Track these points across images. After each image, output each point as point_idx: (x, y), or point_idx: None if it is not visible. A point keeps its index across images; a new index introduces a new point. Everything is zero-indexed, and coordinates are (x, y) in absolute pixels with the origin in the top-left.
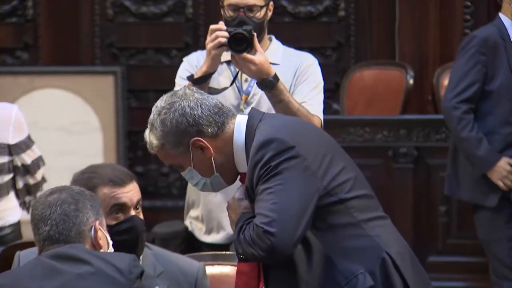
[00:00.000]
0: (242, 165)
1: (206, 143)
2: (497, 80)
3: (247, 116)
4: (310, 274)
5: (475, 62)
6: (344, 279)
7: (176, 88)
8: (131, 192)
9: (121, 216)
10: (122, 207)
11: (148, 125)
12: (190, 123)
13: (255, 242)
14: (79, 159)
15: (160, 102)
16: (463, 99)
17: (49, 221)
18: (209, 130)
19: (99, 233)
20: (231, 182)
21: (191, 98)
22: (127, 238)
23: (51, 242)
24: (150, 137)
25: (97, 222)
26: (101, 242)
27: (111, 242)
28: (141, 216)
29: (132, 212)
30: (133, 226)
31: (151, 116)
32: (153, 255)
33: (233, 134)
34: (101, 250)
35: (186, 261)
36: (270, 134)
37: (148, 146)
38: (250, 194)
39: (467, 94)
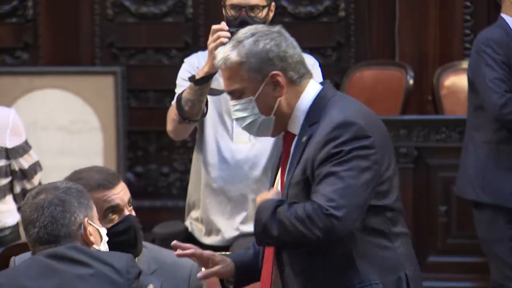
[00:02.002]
0: (294, 125)
1: (283, 82)
2: None
3: (319, 84)
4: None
5: (497, 62)
6: (359, 282)
7: (177, 90)
8: (121, 192)
9: (115, 218)
10: (115, 208)
11: (232, 41)
12: (280, 57)
13: (313, 222)
14: (78, 159)
15: (254, 28)
16: (504, 92)
17: (37, 223)
18: (291, 74)
19: (90, 228)
20: (277, 133)
21: (288, 38)
22: (125, 239)
23: (41, 243)
24: (230, 52)
25: (86, 219)
26: (91, 238)
27: (104, 234)
28: (133, 213)
29: (126, 212)
30: (130, 225)
31: (239, 34)
32: (147, 253)
33: (303, 92)
34: (94, 246)
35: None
36: (350, 117)
37: (218, 60)
38: (308, 166)
39: (505, 87)
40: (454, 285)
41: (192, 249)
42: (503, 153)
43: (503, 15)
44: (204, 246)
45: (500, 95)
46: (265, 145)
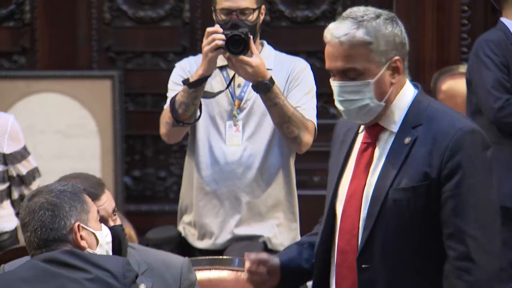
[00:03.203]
0: (387, 119)
1: (401, 69)
2: None
3: (411, 84)
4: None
5: (495, 63)
6: None
7: (169, 94)
8: (106, 203)
9: None
10: (100, 220)
11: (355, 20)
12: (403, 43)
13: None
14: (76, 163)
15: (372, 9)
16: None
17: (29, 227)
18: (405, 63)
19: (83, 233)
20: (369, 123)
21: (402, 25)
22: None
23: (33, 248)
24: (355, 30)
25: (77, 224)
26: (83, 243)
27: (101, 234)
28: (118, 222)
29: (110, 223)
30: (114, 236)
31: (359, 13)
32: (137, 254)
33: (404, 86)
34: (88, 250)
35: (170, 257)
36: (476, 126)
37: (338, 34)
38: (434, 171)
39: (502, 89)
40: None
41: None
42: (503, 154)
43: (503, 19)
44: (197, 251)
45: (497, 98)
46: (257, 148)
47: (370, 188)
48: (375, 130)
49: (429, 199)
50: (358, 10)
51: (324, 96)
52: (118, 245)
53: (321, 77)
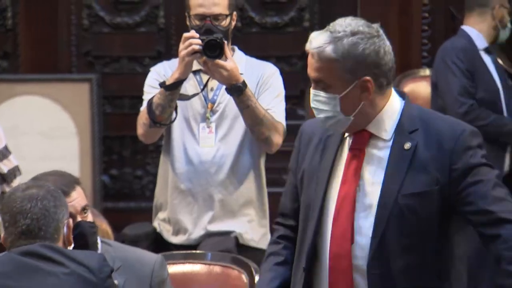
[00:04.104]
0: (378, 126)
1: (372, 88)
2: (479, 91)
3: (395, 91)
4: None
5: (461, 70)
6: None
7: (145, 97)
8: (75, 201)
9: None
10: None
11: (329, 32)
12: (376, 64)
13: None
14: (57, 163)
15: (355, 23)
16: (465, 100)
17: (29, 215)
18: (381, 80)
19: (69, 230)
20: (350, 131)
21: (385, 42)
22: (78, 245)
23: (27, 237)
24: (327, 45)
25: (70, 220)
26: (71, 239)
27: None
28: (89, 219)
29: (79, 218)
30: (80, 232)
31: (339, 28)
32: (112, 251)
33: (391, 96)
34: (70, 247)
35: (145, 254)
36: (473, 127)
37: (312, 46)
38: (443, 175)
39: (467, 95)
40: None
41: None
42: None
43: (464, 27)
44: (172, 246)
45: (462, 103)
46: (229, 149)
47: (363, 193)
48: (362, 136)
49: (441, 202)
50: (341, 24)
51: (292, 99)
52: (85, 241)
53: (289, 81)
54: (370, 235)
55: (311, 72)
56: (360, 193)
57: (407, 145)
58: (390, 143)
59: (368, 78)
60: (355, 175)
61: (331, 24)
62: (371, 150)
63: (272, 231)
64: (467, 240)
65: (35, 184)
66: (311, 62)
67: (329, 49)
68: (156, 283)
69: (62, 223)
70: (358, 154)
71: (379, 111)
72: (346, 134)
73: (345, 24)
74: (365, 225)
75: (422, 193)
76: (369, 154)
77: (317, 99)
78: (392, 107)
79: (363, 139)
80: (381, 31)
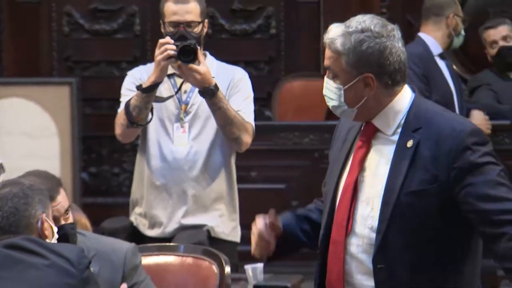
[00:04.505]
0: (383, 121)
1: (374, 85)
2: (434, 94)
3: (411, 90)
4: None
5: (417, 75)
6: None
7: (122, 99)
8: (59, 205)
9: None
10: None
11: (346, 28)
12: (379, 63)
13: None
14: (39, 162)
15: (370, 21)
16: None
17: (0, 213)
18: (385, 79)
19: (45, 224)
20: (360, 120)
21: (396, 44)
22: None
23: (3, 232)
24: (338, 38)
25: (44, 215)
26: (46, 232)
27: (55, 230)
28: (70, 220)
29: (62, 221)
30: (64, 234)
31: (353, 23)
32: (86, 240)
33: (398, 94)
34: (47, 240)
35: (118, 242)
36: (474, 125)
37: (327, 36)
38: (442, 173)
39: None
40: None
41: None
42: None
43: (421, 34)
44: (148, 238)
45: None
46: (202, 147)
47: (364, 184)
48: (370, 129)
49: (441, 201)
50: (358, 20)
51: (259, 100)
52: (67, 241)
53: (257, 84)
54: (368, 225)
55: (325, 59)
56: (362, 184)
57: (409, 143)
58: (396, 140)
59: (369, 75)
60: (358, 165)
61: (351, 18)
62: (376, 143)
63: (242, 225)
64: (476, 240)
65: (11, 182)
66: (326, 50)
67: (338, 42)
68: (128, 269)
69: (34, 218)
70: (364, 145)
71: (383, 107)
72: (362, 127)
73: (361, 20)
74: (363, 215)
75: (419, 191)
76: (373, 146)
77: (327, 87)
78: (400, 104)
79: (370, 131)
80: (395, 32)
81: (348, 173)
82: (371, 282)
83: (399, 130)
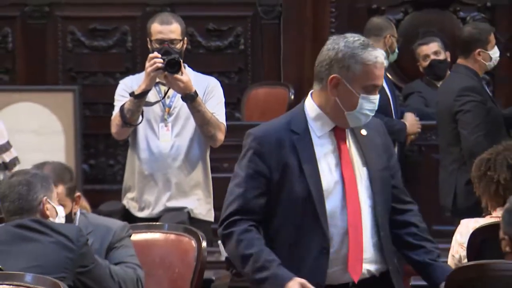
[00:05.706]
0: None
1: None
2: None
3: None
4: None
5: None
6: None
7: (115, 103)
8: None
9: None
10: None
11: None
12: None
13: None
14: (46, 155)
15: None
16: None
17: (8, 198)
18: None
19: (48, 206)
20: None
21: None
22: None
23: (11, 214)
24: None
25: (45, 198)
26: (48, 212)
27: (60, 210)
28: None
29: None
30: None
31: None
32: (85, 219)
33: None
34: (50, 219)
35: (112, 221)
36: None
37: (381, 61)
38: (386, 154)
39: None
40: None
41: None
42: None
43: None
44: (138, 219)
45: None
46: (183, 143)
47: (362, 173)
48: (341, 132)
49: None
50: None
51: (230, 105)
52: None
53: (228, 91)
54: (368, 203)
55: (380, 79)
56: (359, 173)
57: (363, 132)
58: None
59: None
60: (349, 160)
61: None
62: (347, 138)
63: (215, 208)
64: None
65: (19, 172)
66: (380, 71)
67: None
68: (115, 240)
69: (36, 201)
70: (343, 143)
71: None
72: (313, 134)
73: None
74: (363, 197)
75: (386, 167)
76: (348, 141)
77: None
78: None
79: (341, 135)
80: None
81: (343, 169)
82: (375, 254)
83: None
